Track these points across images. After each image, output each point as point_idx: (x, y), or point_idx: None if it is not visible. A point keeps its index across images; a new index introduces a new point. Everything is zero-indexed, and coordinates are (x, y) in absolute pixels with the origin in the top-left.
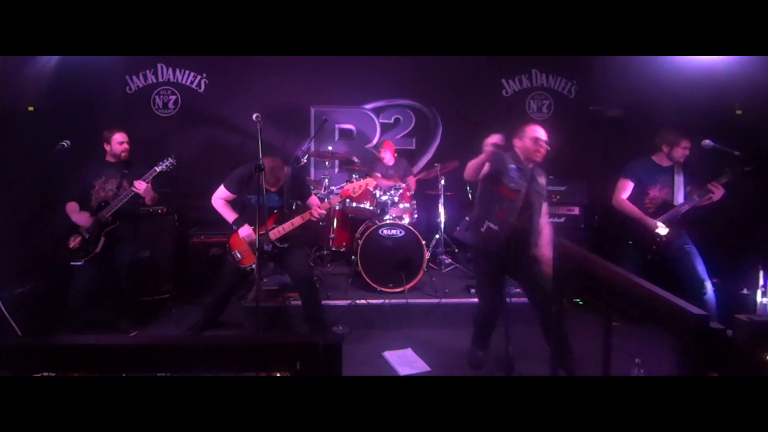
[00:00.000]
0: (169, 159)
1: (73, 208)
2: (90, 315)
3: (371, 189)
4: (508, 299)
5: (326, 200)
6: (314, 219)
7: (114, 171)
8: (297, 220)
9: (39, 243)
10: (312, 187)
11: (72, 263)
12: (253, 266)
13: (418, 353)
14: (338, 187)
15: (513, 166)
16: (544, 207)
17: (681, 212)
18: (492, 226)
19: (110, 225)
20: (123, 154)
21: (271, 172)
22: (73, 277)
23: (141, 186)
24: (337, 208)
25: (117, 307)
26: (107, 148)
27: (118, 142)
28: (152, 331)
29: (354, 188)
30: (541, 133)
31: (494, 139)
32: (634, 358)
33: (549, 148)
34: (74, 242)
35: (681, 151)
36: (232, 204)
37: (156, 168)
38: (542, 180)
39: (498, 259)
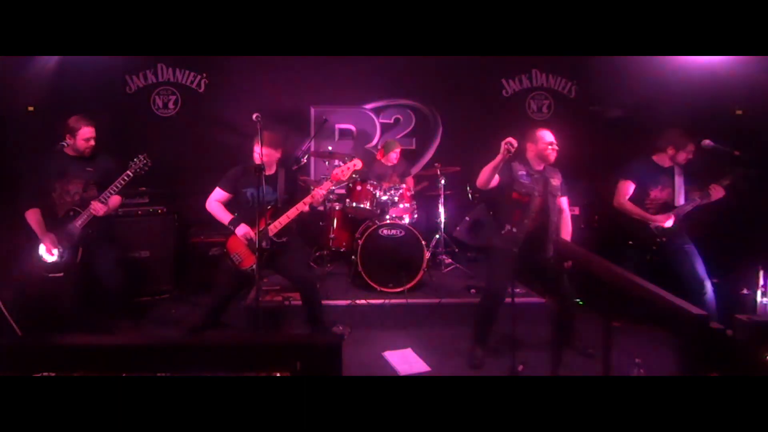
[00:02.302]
0: (141, 158)
1: (34, 217)
2: (84, 320)
3: (371, 190)
4: (509, 299)
5: (317, 187)
6: (308, 208)
7: (77, 168)
8: (292, 212)
9: (37, 246)
10: (312, 187)
11: (51, 275)
12: (254, 267)
13: (418, 353)
14: (339, 186)
15: (522, 172)
16: (565, 201)
17: (683, 213)
18: (511, 228)
19: (84, 236)
20: (87, 151)
21: (269, 140)
22: (58, 286)
23: (99, 209)
24: (337, 208)
25: (110, 311)
26: (69, 140)
27: (84, 138)
28: (152, 331)
29: (342, 170)
30: (551, 136)
31: (510, 139)
32: (634, 358)
33: (553, 148)
34: (48, 253)
35: (685, 155)
36: (226, 207)
37: (129, 172)
38: (555, 181)
39: (518, 259)
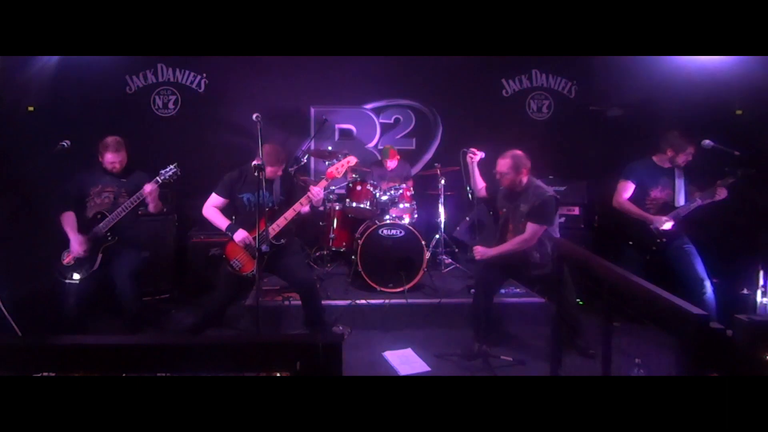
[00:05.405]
0: (172, 167)
1: (68, 220)
2: (88, 323)
3: (371, 190)
4: (509, 299)
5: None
6: (308, 208)
7: (111, 179)
8: (290, 213)
9: (36, 246)
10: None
11: (67, 281)
12: (254, 272)
13: (418, 353)
14: (339, 186)
15: (503, 188)
16: (529, 227)
17: (683, 213)
18: (496, 239)
19: (108, 242)
20: (114, 171)
21: (270, 155)
22: (66, 290)
23: (152, 190)
24: (337, 208)
25: (119, 314)
26: (100, 158)
27: (109, 161)
28: (152, 331)
29: (337, 168)
30: (499, 165)
31: (472, 149)
32: (634, 358)
33: (501, 175)
34: (68, 258)
35: (684, 157)
36: (224, 212)
37: (158, 179)
38: (523, 207)
39: (506, 269)
